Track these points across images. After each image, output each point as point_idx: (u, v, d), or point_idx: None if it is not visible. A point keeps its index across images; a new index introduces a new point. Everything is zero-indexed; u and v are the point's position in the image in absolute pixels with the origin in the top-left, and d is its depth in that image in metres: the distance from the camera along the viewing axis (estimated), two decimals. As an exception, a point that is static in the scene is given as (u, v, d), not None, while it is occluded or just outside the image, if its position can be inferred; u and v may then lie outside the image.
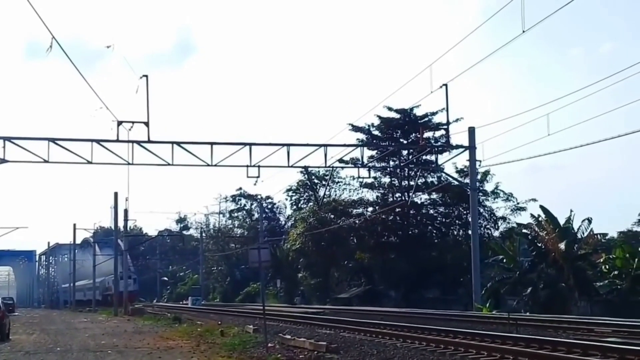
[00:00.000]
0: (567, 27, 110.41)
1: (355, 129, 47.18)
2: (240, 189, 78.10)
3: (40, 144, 28.77)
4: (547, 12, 22.10)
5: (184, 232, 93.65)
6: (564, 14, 35.10)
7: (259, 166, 30.64)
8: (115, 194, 53.71)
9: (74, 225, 69.78)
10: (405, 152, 46.94)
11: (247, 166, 30.49)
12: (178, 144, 29.96)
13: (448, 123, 36.67)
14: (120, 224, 56.55)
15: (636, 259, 33.26)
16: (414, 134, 46.19)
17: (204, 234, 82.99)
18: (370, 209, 52.87)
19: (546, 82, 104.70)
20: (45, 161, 28.92)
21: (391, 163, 48.40)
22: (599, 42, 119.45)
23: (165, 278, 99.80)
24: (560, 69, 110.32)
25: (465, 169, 40.01)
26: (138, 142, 29.31)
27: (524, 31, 21.83)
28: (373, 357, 15.20)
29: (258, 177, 31.26)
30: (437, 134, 46.37)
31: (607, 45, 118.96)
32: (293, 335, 20.46)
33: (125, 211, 55.31)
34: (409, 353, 14.93)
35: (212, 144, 30.35)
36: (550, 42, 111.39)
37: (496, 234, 48.93)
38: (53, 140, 28.77)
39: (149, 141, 29.09)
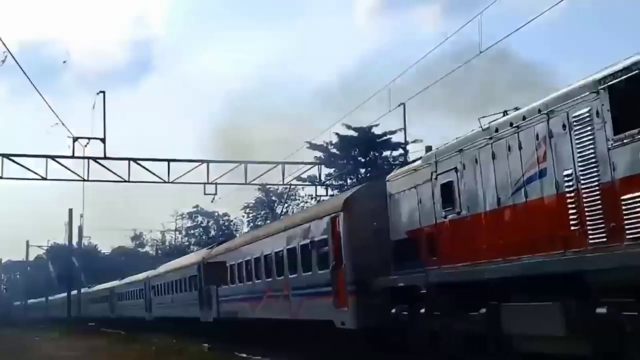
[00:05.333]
0: (522, 49, 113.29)
1: (314, 147, 47.48)
2: (197, 206, 77.72)
3: (-7, 160, 28.63)
4: (503, 33, 22.73)
5: (139, 249, 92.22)
6: (519, 36, 36.25)
7: (216, 183, 30.89)
8: (70, 211, 53.19)
9: (27, 242, 68.77)
10: (363, 171, 47.42)
11: (204, 183, 30.70)
12: (134, 160, 29.86)
13: (406, 142, 37.30)
14: (75, 240, 55.82)
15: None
16: (372, 152, 46.72)
17: (159, 252, 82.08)
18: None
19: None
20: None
21: (349, 181, 48.79)
22: (550, 65, 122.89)
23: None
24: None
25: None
26: (94, 159, 29.17)
27: (480, 52, 22.12)
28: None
29: (215, 194, 31.57)
30: (395, 153, 47.08)
31: (558, 67, 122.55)
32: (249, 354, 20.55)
33: (80, 228, 54.76)
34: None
35: (168, 160, 30.36)
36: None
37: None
38: (7, 156, 28.47)
39: (105, 157, 29.05)
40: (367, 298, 14.53)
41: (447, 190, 12.02)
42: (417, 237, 13.08)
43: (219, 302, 28.09)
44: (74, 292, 54.96)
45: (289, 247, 19.88)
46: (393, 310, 13.57)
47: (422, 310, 12.52)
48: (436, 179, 12.46)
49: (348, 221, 15.60)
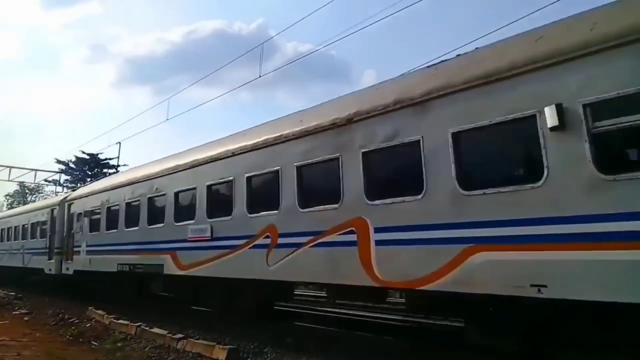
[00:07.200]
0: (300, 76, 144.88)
1: (59, 162, 68.80)
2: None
3: None
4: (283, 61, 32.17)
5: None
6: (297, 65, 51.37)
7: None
8: None
9: None
10: (89, 180, 69.80)
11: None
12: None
13: (118, 165, 60.93)
14: None
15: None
16: (97, 169, 69.72)
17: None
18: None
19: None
20: None
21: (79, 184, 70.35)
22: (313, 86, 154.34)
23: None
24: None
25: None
26: None
27: (260, 76, 22.17)
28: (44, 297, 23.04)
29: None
30: (112, 170, 70.19)
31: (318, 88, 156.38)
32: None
33: None
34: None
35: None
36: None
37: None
38: None
39: None
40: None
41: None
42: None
43: None
44: None
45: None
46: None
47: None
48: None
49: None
